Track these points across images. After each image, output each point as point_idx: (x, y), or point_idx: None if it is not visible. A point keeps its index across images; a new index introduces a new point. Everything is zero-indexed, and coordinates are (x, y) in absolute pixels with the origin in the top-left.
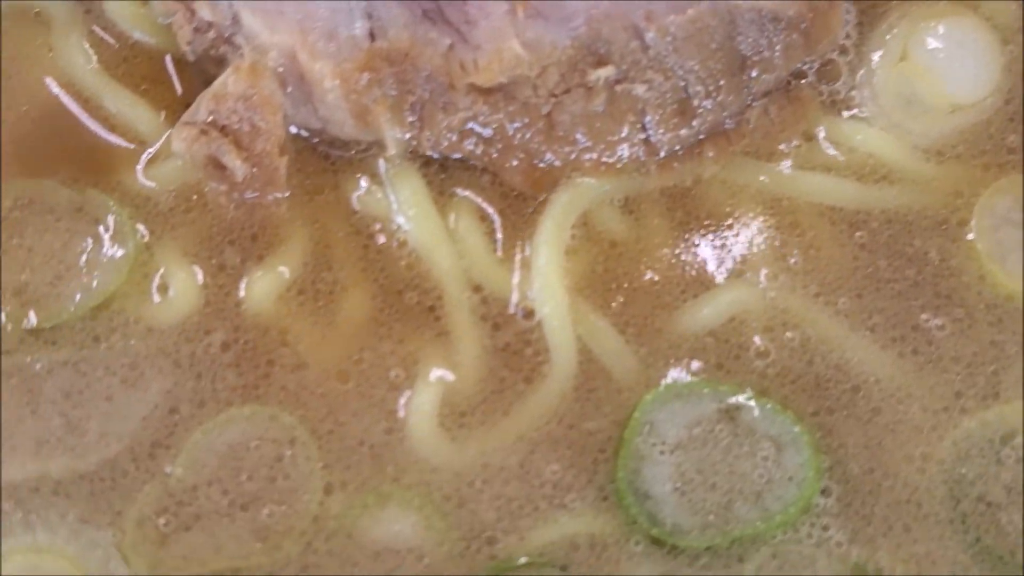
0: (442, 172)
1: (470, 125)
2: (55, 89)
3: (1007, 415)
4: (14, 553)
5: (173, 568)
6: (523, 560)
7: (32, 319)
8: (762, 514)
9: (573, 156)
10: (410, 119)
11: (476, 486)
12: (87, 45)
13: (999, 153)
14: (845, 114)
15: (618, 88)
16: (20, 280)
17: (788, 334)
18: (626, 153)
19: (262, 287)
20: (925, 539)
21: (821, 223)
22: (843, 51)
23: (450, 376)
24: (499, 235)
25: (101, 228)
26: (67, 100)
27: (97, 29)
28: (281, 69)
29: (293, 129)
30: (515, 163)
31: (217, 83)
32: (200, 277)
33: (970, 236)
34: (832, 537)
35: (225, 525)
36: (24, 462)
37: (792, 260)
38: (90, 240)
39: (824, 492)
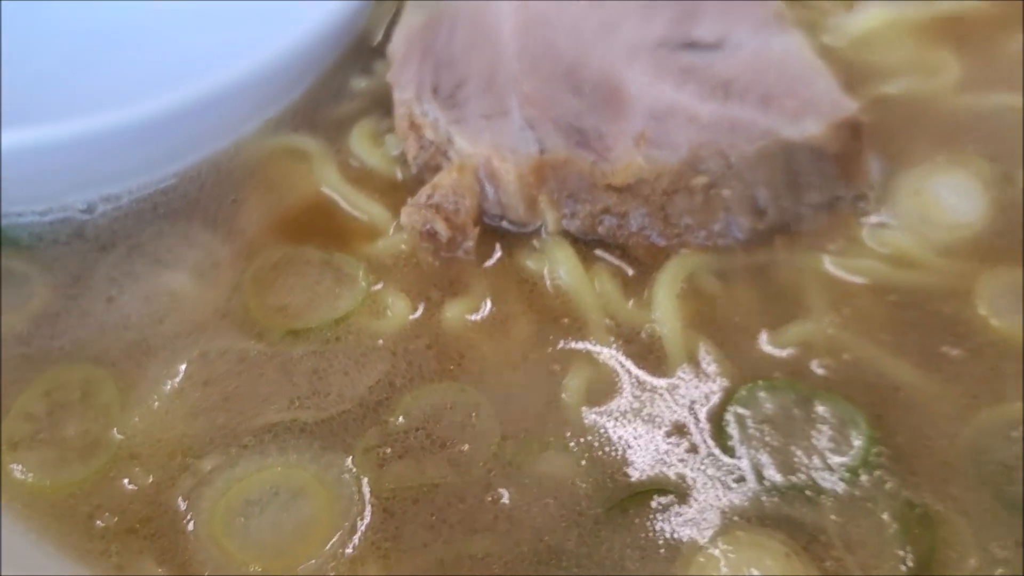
0: (584, 246)
1: (606, 212)
2: (317, 193)
3: (1013, 410)
4: (273, 467)
5: (391, 481)
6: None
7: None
8: (832, 465)
9: (680, 236)
10: (564, 207)
11: (612, 439)
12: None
13: (989, 252)
14: (876, 222)
15: (711, 191)
16: (284, 302)
17: (845, 355)
18: (717, 237)
19: (455, 313)
20: (958, 486)
21: (863, 290)
22: (871, 187)
23: (593, 369)
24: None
25: (343, 274)
26: (323, 200)
27: (351, 161)
28: (480, 170)
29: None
30: (637, 240)
31: (437, 176)
32: (410, 304)
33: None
34: (887, 484)
35: (428, 456)
36: (279, 411)
37: (844, 310)
38: (334, 281)
39: (878, 453)
